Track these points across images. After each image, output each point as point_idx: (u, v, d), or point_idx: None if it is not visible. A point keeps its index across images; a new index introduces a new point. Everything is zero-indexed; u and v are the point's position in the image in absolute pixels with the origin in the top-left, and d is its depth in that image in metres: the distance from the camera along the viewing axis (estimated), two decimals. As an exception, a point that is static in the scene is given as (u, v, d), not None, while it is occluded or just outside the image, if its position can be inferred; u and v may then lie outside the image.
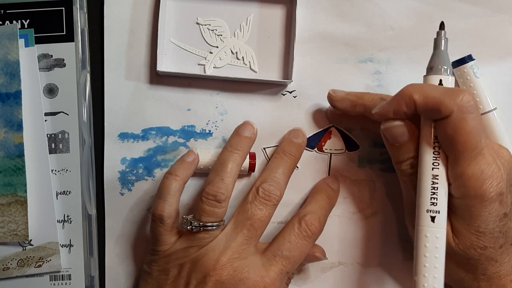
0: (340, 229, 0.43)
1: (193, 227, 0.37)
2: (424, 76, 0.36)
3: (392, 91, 0.42)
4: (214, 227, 0.37)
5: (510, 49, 0.42)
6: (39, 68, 0.42)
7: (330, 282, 0.43)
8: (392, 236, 0.42)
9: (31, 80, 0.42)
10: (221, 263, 0.36)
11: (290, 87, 0.43)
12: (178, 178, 0.39)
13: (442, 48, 0.36)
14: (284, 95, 0.43)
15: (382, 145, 0.42)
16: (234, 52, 0.42)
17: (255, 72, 0.42)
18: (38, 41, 0.42)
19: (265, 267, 0.37)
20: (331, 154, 0.42)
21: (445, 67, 0.35)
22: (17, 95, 0.41)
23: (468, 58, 0.41)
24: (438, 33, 0.36)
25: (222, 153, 0.39)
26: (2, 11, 0.42)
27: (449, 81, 0.35)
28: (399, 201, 0.41)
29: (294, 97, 0.43)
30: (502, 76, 0.42)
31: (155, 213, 0.38)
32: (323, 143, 0.42)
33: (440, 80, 0.35)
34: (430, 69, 0.35)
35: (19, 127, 0.41)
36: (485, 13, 0.42)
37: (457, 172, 0.33)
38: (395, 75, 0.42)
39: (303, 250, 0.37)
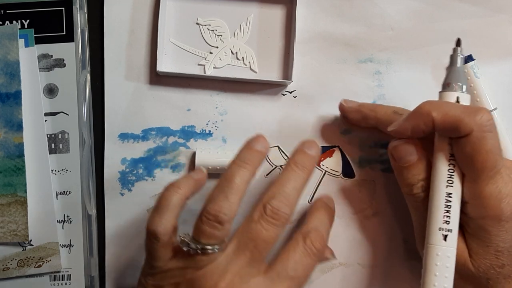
0: (341, 229, 0.42)
1: (191, 249, 0.33)
2: (440, 92, 0.35)
3: (392, 91, 0.42)
4: (215, 250, 0.33)
5: (510, 49, 0.42)
6: (39, 68, 0.42)
7: (330, 282, 0.43)
8: (393, 237, 0.42)
9: (31, 80, 0.42)
10: None
11: (290, 87, 0.43)
12: (180, 191, 0.35)
13: (459, 65, 0.35)
14: (284, 95, 0.43)
15: (382, 146, 0.42)
16: (234, 52, 0.42)
17: (255, 72, 0.42)
18: (38, 41, 0.42)
19: None
20: (326, 172, 0.42)
21: (461, 84, 0.34)
22: (17, 95, 0.41)
23: (468, 58, 0.41)
24: (455, 50, 0.35)
25: (230, 167, 0.35)
26: (2, 11, 0.42)
27: (466, 99, 0.34)
28: (400, 201, 0.41)
29: (294, 97, 0.43)
30: (502, 76, 0.42)
31: (149, 229, 0.35)
32: (322, 158, 0.42)
33: (457, 98, 0.34)
34: (447, 86, 0.34)
35: (19, 127, 0.41)
36: (485, 13, 0.42)
37: (475, 191, 0.32)
38: (395, 75, 0.42)
39: (308, 268, 0.35)
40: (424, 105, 0.33)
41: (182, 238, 0.34)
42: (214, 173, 0.41)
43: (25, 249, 0.42)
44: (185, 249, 0.34)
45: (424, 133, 0.34)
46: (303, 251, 0.35)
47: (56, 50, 0.42)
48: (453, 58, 0.35)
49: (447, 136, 0.33)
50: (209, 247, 0.33)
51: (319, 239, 0.35)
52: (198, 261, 0.34)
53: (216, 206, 0.33)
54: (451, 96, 0.34)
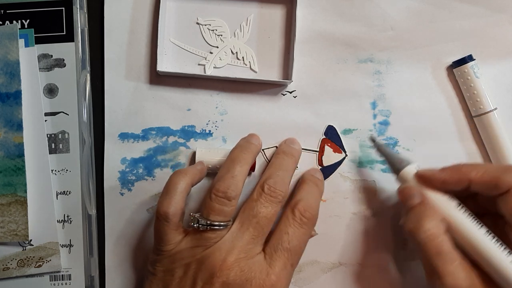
0: (341, 229, 0.42)
1: (200, 226, 0.36)
2: (398, 175, 0.38)
3: (392, 91, 0.42)
4: (221, 227, 0.36)
5: (510, 49, 0.42)
6: (39, 68, 0.42)
7: (330, 282, 0.43)
8: (393, 237, 0.42)
9: (31, 80, 0.42)
10: (227, 263, 0.35)
11: (290, 87, 0.43)
12: (187, 177, 0.38)
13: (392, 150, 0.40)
14: (284, 95, 0.43)
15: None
16: (234, 52, 0.42)
17: (255, 72, 0.42)
18: (38, 41, 0.42)
19: (269, 264, 0.36)
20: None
21: (406, 158, 0.38)
22: (17, 95, 0.41)
23: (468, 58, 0.41)
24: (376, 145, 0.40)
25: (233, 152, 0.39)
26: (2, 11, 0.42)
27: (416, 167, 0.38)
28: (400, 201, 0.41)
29: (294, 97, 0.43)
30: (502, 76, 0.42)
31: (160, 211, 0.37)
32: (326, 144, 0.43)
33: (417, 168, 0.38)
34: (400, 165, 0.38)
35: (19, 127, 0.41)
36: (485, 13, 0.42)
37: None
38: (395, 75, 0.42)
39: (302, 238, 0.37)
40: (463, 166, 0.36)
41: (192, 216, 0.37)
42: (214, 173, 0.41)
43: (25, 249, 0.42)
44: (195, 225, 0.36)
45: (453, 189, 0.36)
46: (293, 223, 0.37)
47: (56, 50, 0.42)
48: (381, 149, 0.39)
49: (487, 194, 0.35)
50: (217, 223, 0.36)
51: (307, 208, 0.38)
52: (206, 239, 0.36)
53: (225, 184, 0.37)
54: (411, 171, 0.37)
